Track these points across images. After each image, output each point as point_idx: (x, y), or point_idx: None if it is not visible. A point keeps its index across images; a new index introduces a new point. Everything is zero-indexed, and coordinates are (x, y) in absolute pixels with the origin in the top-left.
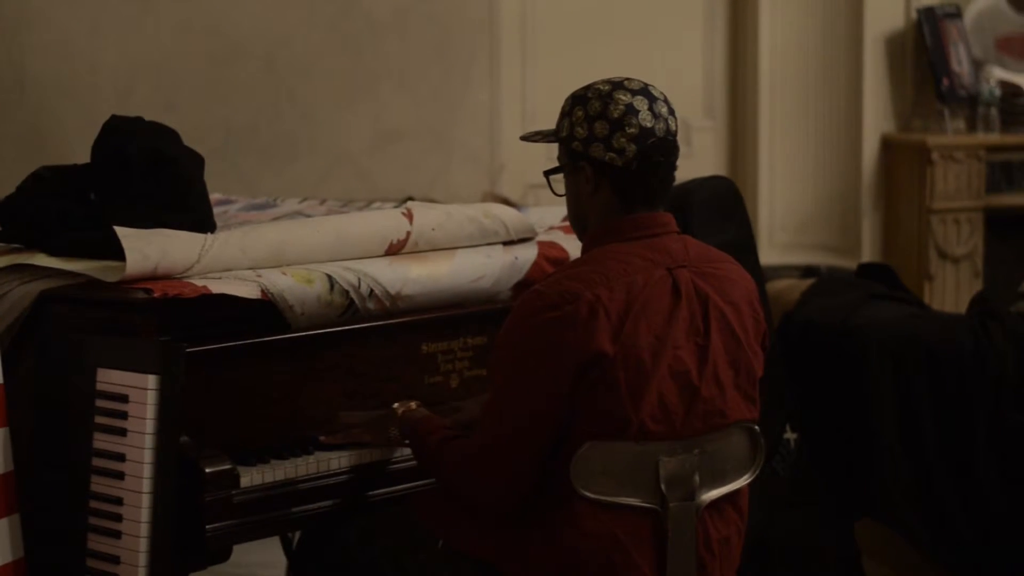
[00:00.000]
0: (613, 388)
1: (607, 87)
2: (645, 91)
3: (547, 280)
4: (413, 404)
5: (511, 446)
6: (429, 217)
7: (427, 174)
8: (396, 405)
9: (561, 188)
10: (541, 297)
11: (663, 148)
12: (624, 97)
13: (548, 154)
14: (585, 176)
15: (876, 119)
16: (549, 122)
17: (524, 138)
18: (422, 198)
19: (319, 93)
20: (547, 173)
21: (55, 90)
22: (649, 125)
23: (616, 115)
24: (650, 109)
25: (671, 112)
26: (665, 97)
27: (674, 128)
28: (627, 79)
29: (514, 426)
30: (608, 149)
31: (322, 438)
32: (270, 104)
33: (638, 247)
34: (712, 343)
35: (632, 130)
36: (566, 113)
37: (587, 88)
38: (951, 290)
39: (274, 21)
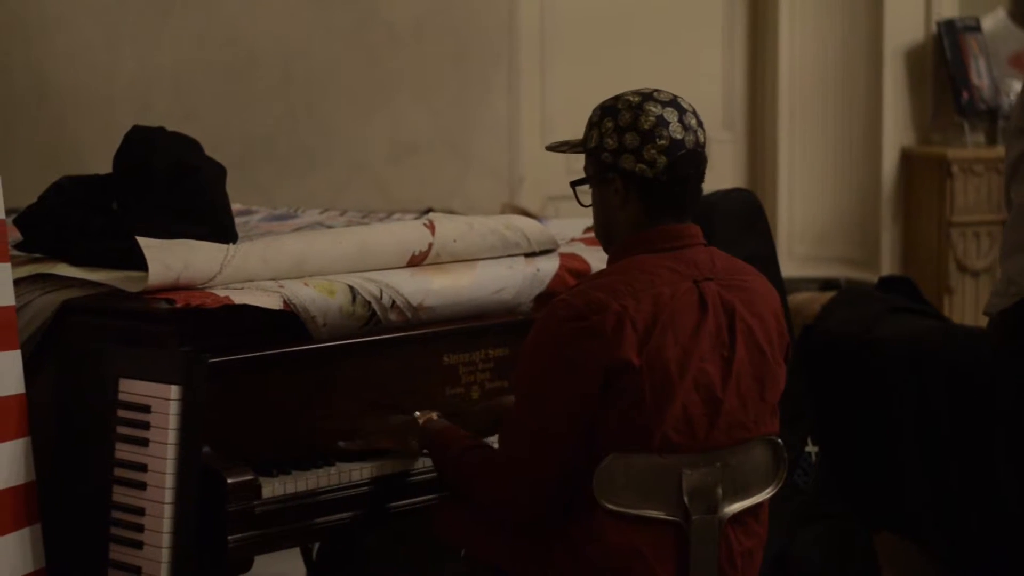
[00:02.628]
0: (638, 400)
1: (637, 98)
2: (675, 103)
3: (573, 290)
4: (434, 415)
5: (535, 456)
6: (451, 229)
7: (445, 185)
8: (417, 414)
9: (587, 199)
10: (567, 307)
11: (693, 160)
12: (655, 108)
13: (568, 166)
14: (614, 188)
15: (896, 132)
16: (567, 133)
17: (550, 148)
18: (441, 209)
19: (337, 104)
20: (573, 184)
21: (74, 100)
22: (679, 137)
23: (647, 127)
24: (680, 121)
25: (700, 124)
26: (694, 109)
27: (703, 140)
28: (656, 90)
29: (538, 436)
30: (638, 161)
31: (341, 443)
32: (288, 115)
33: (665, 259)
34: (737, 356)
35: (663, 142)
36: (595, 124)
37: (616, 99)
38: (971, 303)
39: (292, 32)
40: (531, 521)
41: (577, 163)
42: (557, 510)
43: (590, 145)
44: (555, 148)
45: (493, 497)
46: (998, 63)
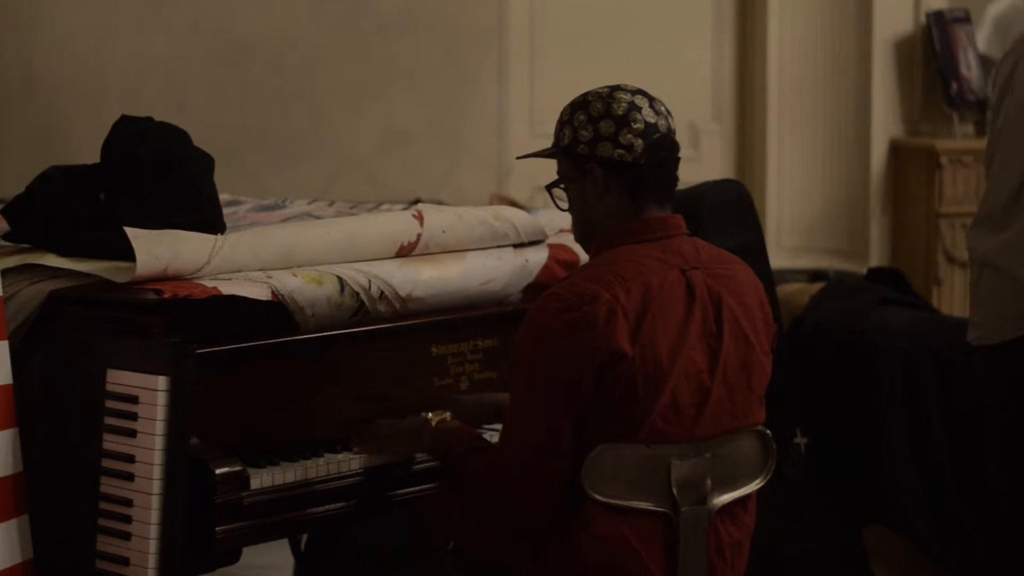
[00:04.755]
0: (630, 389)
1: (605, 89)
2: (642, 91)
3: (562, 283)
4: (447, 415)
5: (541, 452)
6: (439, 219)
7: (435, 176)
8: (430, 416)
9: (564, 202)
10: (558, 299)
11: (668, 144)
12: (625, 96)
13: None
14: (593, 179)
15: (885, 123)
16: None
17: (521, 158)
18: (430, 200)
19: (327, 94)
20: (549, 187)
21: (63, 90)
22: (653, 121)
23: (620, 112)
24: (651, 107)
25: (668, 112)
26: (659, 99)
27: (673, 127)
28: (621, 83)
29: (541, 431)
30: (616, 146)
31: (355, 448)
32: (278, 105)
33: (651, 248)
34: (724, 345)
35: (638, 125)
36: (566, 122)
37: (584, 95)
38: (959, 295)
39: (283, 21)
40: (543, 522)
41: None
42: (560, 504)
43: (564, 143)
44: (528, 157)
45: (506, 501)
46: (1006, 46)
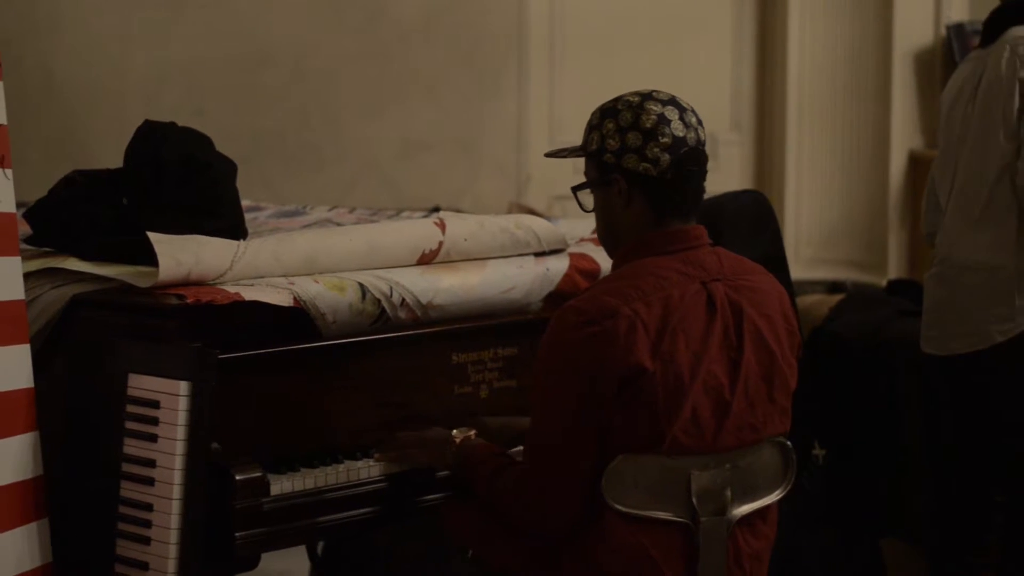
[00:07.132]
0: (650, 403)
1: (636, 98)
2: (674, 101)
3: (583, 296)
4: (472, 433)
5: (561, 467)
6: (461, 227)
7: (454, 184)
8: (455, 433)
9: (589, 203)
10: (579, 313)
11: (695, 157)
12: (655, 107)
13: (575, 165)
14: (618, 189)
15: (904, 135)
16: (576, 133)
17: (549, 155)
18: (449, 208)
19: (346, 101)
20: (575, 189)
21: (83, 94)
22: (681, 134)
23: (648, 125)
24: (681, 119)
25: (700, 122)
26: (692, 108)
27: (703, 138)
28: (655, 90)
29: (561, 443)
30: (642, 160)
31: (376, 455)
32: (297, 111)
33: (672, 261)
34: (745, 357)
35: (665, 140)
36: (595, 126)
37: (616, 100)
38: None
39: (302, 28)
40: (565, 532)
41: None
42: (586, 517)
43: (591, 148)
44: (555, 155)
45: (530, 513)
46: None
